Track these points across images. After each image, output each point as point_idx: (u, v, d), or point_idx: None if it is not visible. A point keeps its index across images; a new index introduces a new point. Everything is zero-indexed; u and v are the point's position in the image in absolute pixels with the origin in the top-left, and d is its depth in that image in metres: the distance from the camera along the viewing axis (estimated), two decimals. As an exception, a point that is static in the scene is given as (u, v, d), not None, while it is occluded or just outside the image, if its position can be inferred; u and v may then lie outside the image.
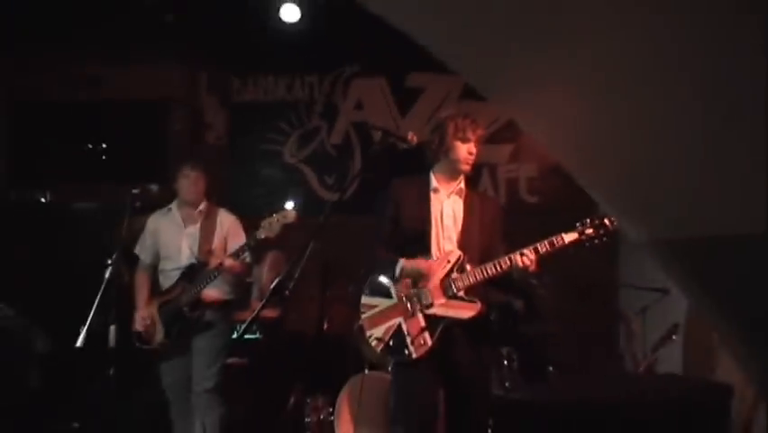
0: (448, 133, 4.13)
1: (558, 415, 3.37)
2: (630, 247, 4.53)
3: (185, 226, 5.28)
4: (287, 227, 4.90)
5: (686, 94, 2.00)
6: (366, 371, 5.67)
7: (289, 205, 5.08)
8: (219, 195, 6.81)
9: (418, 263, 4.07)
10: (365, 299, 4.23)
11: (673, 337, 5.09)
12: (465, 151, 4.12)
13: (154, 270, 5.35)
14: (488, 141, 7.05)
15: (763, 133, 1.86)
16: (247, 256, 5.16)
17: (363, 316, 4.22)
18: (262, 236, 4.93)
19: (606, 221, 3.96)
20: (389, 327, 4.11)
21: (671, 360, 5.19)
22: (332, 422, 5.64)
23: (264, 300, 3.89)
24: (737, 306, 2.45)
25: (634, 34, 1.98)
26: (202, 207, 5.31)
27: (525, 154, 7.15)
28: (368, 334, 4.19)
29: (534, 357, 5.88)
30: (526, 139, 6.86)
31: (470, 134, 4.10)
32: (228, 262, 5.00)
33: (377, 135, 7.04)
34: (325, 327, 6.34)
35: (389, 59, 7.32)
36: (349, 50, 7.47)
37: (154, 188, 4.80)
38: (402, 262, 4.09)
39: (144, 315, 5.19)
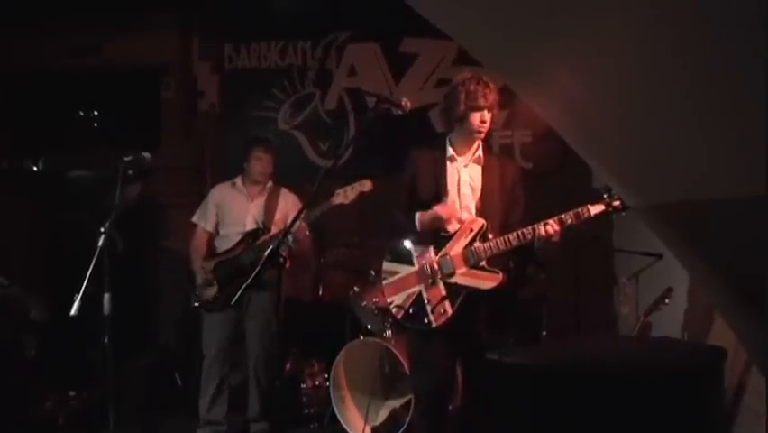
0: (459, 100, 4.05)
1: (552, 378, 3.37)
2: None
3: (251, 201, 5.63)
4: (362, 195, 5.13)
5: (679, 63, 1.99)
6: (361, 337, 5.69)
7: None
8: (213, 162, 6.81)
9: (434, 211, 4.05)
10: (386, 265, 4.24)
11: (666, 301, 5.10)
12: (477, 119, 4.05)
13: (210, 236, 5.67)
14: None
15: (762, 99, 1.86)
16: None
17: (384, 282, 4.23)
18: (336, 202, 5.11)
19: None
20: (410, 295, 4.13)
21: (668, 324, 5.21)
22: (327, 388, 5.66)
23: (258, 267, 3.89)
24: (730, 269, 2.45)
25: (631, 12, 1.96)
26: (269, 185, 5.67)
27: (519, 120, 7.10)
28: (388, 301, 4.20)
29: (528, 321, 5.89)
30: (521, 105, 6.82)
31: (481, 102, 4.01)
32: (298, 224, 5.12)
33: (371, 101, 7.00)
34: (321, 293, 6.35)
35: (383, 25, 7.26)
36: (342, 16, 7.40)
37: (147, 155, 4.76)
38: (418, 216, 4.09)
39: (203, 274, 5.49)
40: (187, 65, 7.68)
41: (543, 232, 3.90)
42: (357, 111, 7.38)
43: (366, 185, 5.10)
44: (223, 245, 5.59)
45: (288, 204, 5.65)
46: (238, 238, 5.51)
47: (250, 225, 5.54)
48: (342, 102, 7.49)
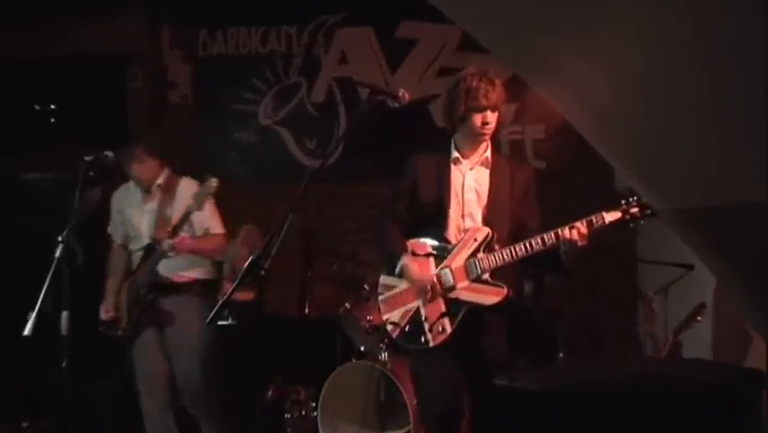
0: (459, 99, 4.07)
1: (569, 406, 3.37)
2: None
3: (144, 203, 5.37)
4: (216, 197, 5.06)
5: (701, 68, 2.00)
6: (354, 360, 5.68)
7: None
8: (185, 162, 6.79)
9: (412, 269, 4.08)
10: (384, 279, 4.28)
11: (699, 319, 5.09)
12: (479, 120, 4.06)
13: (125, 249, 5.48)
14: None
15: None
16: (204, 230, 5.21)
17: (380, 297, 4.28)
18: (197, 210, 4.99)
19: None
20: (407, 311, 4.16)
21: (698, 344, 5.20)
22: (315, 418, 5.64)
23: (237, 281, 3.87)
24: (761, 275, 2.46)
25: (656, 11, 1.97)
26: (160, 180, 5.38)
27: (530, 114, 7.10)
28: (384, 317, 4.24)
29: (541, 341, 5.88)
30: (532, 97, 6.80)
31: (482, 102, 4.02)
32: (167, 243, 5.04)
33: (364, 93, 7.00)
34: (308, 310, 6.34)
35: (377, 7, 7.27)
36: (331, -4, 7.44)
37: (110, 154, 4.75)
38: (403, 261, 4.11)
39: (108, 306, 5.31)
40: (156, 53, 7.68)
41: (568, 236, 3.87)
42: (348, 104, 7.38)
43: (212, 186, 4.95)
44: (133, 264, 5.42)
45: (187, 198, 5.25)
46: (141, 254, 5.33)
47: (147, 238, 5.32)
48: (331, 93, 7.50)
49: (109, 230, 5.55)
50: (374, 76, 7.23)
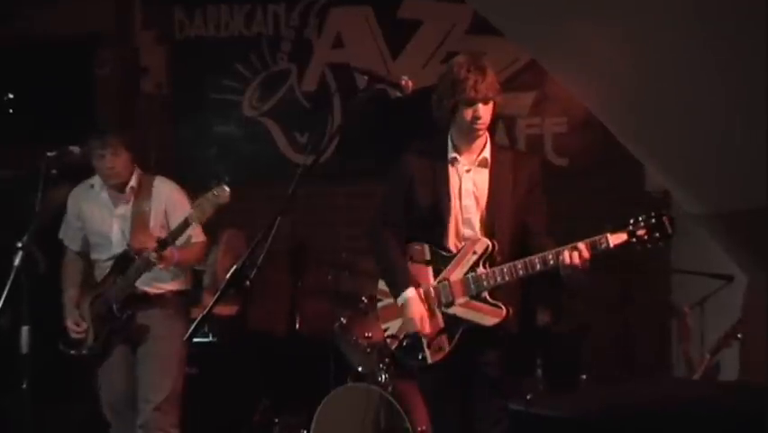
0: (447, 91, 4.07)
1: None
2: (685, 225, 4.43)
3: (115, 207, 5.26)
4: (220, 209, 4.84)
5: (734, 72, 2.01)
6: (349, 381, 5.67)
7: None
8: (159, 159, 6.79)
9: (414, 320, 4.09)
10: (382, 284, 4.32)
11: (739, 336, 5.11)
12: (470, 114, 4.04)
13: (88, 260, 5.36)
14: (503, 87, 7.04)
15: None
16: (186, 238, 5.17)
17: (379, 304, 4.34)
18: (194, 222, 4.88)
19: (664, 220, 3.74)
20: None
21: (736, 363, 5.21)
22: (306, 447, 5.65)
23: (219, 293, 3.88)
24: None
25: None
26: (133, 181, 5.26)
27: (551, 105, 7.10)
28: (383, 326, 4.30)
29: (562, 361, 5.89)
30: (553, 85, 6.80)
31: (471, 94, 3.98)
32: (156, 255, 4.95)
33: (361, 81, 7.01)
34: (298, 326, 6.34)
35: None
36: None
37: (75, 149, 4.73)
38: (407, 295, 4.12)
39: (76, 320, 5.21)
40: (126, 34, 7.68)
41: (567, 259, 3.83)
42: (344, 93, 7.38)
43: (222, 196, 4.80)
44: (99, 275, 5.29)
45: (163, 200, 5.27)
46: (108, 265, 5.20)
47: (117, 246, 5.19)
48: (324, 82, 7.50)
49: (61, 235, 5.41)
50: (373, 62, 7.25)
